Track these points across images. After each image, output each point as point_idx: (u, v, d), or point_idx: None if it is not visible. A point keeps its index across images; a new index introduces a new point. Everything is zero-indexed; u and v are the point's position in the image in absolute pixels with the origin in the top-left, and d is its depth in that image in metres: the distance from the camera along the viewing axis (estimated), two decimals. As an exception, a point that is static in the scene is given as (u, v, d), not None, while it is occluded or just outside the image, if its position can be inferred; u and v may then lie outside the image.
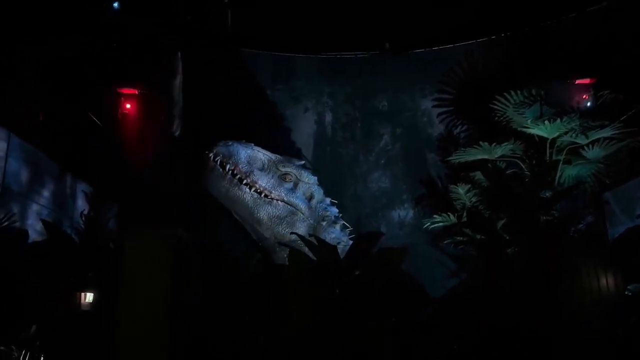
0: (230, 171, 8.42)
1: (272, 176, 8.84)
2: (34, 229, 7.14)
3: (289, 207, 8.80)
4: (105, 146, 10.08)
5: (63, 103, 9.36)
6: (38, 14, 9.06)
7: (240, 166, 8.48)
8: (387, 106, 11.51)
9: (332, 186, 11.17)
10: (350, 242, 9.06)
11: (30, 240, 6.23)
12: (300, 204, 8.98)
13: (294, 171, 9.15)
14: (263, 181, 8.61)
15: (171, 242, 5.02)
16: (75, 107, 9.56)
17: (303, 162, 9.72)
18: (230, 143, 8.72)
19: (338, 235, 9.38)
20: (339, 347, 4.90)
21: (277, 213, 8.68)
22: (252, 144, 9.06)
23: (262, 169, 8.79)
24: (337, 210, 9.79)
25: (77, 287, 5.54)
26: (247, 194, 8.50)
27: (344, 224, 9.73)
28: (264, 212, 8.62)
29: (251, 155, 8.79)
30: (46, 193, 8.28)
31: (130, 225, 8.63)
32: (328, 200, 9.74)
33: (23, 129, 7.93)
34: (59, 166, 8.57)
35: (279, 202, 8.73)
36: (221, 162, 8.47)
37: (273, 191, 8.67)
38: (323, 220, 9.29)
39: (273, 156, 9.13)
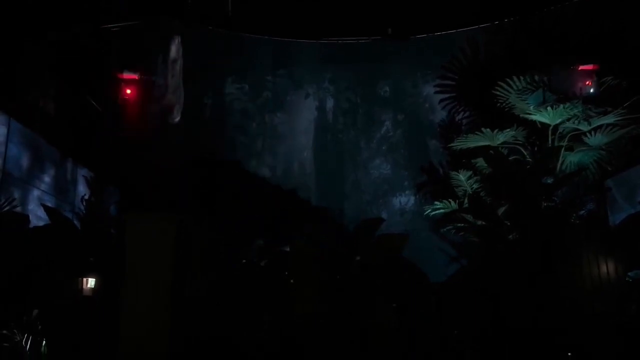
0: None
1: None
2: (35, 214, 7.14)
3: None
4: (107, 131, 10.06)
5: (63, 88, 9.32)
6: (40, 3, 8.99)
7: None
8: (388, 92, 11.46)
9: (333, 172, 11.17)
10: None
11: (31, 226, 6.23)
12: None
13: None
14: None
15: (173, 226, 5.01)
16: (75, 92, 9.52)
17: None
18: None
19: None
20: (343, 329, 4.94)
21: None
22: None
23: None
24: None
25: (79, 272, 5.55)
26: None
27: None
28: None
29: None
30: (47, 178, 8.27)
31: (132, 209, 8.66)
32: None
33: (23, 114, 7.90)
34: (59, 151, 8.55)
35: None
36: None
37: None
38: None
39: None
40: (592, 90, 8.52)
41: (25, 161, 7.77)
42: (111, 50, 10.62)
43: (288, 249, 6.20)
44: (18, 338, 5.08)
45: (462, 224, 8.63)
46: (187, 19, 10.54)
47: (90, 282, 5.87)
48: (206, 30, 11.14)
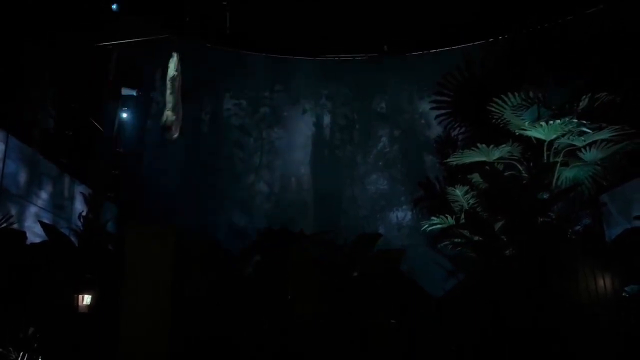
0: None
1: None
2: (32, 231, 7.12)
3: None
4: (105, 147, 10.10)
5: (62, 105, 9.37)
6: (38, 18, 9.08)
7: None
8: (385, 108, 11.56)
9: (330, 187, 11.20)
10: None
11: (28, 242, 6.22)
12: None
13: None
14: None
15: (171, 239, 5.02)
16: (74, 109, 9.57)
17: None
18: None
19: None
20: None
21: None
22: None
23: None
24: None
25: (75, 288, 5.53)
26: None
27: None
28: None
29: None
30: (44, 195, 8.27)
31: (131, 223, 8.65)
32: None
33: (21, 131, 7.92)
34: (57, 168, 8.56)
35: None
36: None
37: None
38: None
39: None
40: (586, 107, 8.59)
41: (22, 177, 7.78)
42: (110, 67, 10.70)
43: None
44: (14, 356, 5.05)
45: (459, 239, 8.65)
46: (186, 36, 10.65)
47: (87, 299, 5.85)
48: (205, 47, 11.26)
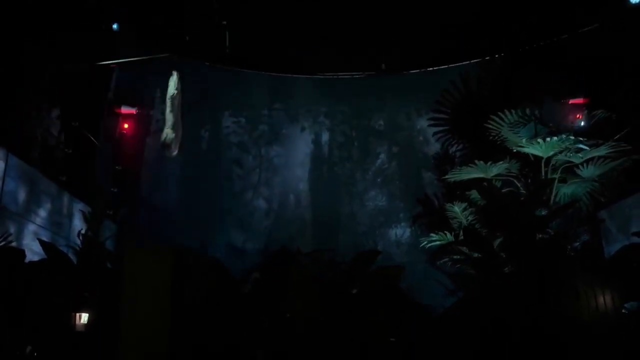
0: None
1: None
2: (31, 249, 7.10)
3: None
4: (104, 165, 10.13)
5: (62, 123, 9.42)
6: (38, 37, 9.19)
7: None
8: (383, 125, 11.64)
9: (328, 204, 11.21)
10: None
11: (27, 260, 6.21)
12: None
13: None
14: None
15: (170, 258, 5.02)
16: (74, 127, 9.62)
17: None
18: None
19: None
20: (341, 356, 4.92)
21: None
22: None
23: None
24: None
25: (73, 307, 5.51)
26: None
27: None
28: None
29: None
30: (43, 213, 8.26)
31: (129, 241, 8.65)
32: None
33: (21, 148, 7.95)
34: (56, 185, 8.58)
35: None
36: None
37: None
38: None
39: None
40: (582, 123, 8.67)
41: (22, 195, 7.78)
42: (110, 85, 10.79)
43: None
44: (10, 375, 5.00)
45: (458, 256, 8.64)
46: (186, 55, 10.77)
47: (84, 318, 5.81)
48: (204, 65, 11.38)
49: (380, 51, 11.49)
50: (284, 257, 7.75)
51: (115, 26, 10.76)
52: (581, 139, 7.91)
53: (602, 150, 7.98)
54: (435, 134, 11.25)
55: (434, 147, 11.23)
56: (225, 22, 10.57)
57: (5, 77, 8.14)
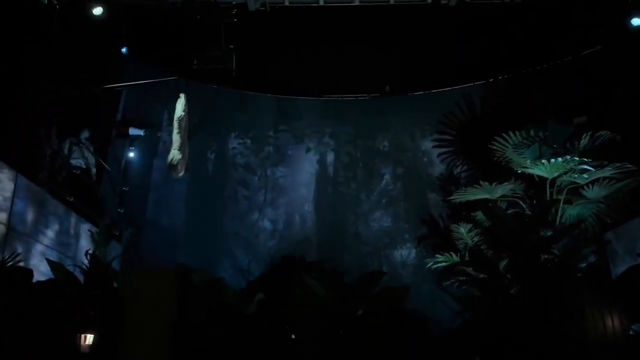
0: None
1: None
2: (38, 269, 7.14)
3: None
4: (111, 186, 10.23)
5: (70, 144, 9.55)
6: (49, 59, 9.38)
7: None
8: (387, 146, 11.71)
9: (333, 225, 11.22)
10: None
11: (34, 280, 6.24)
12: None
13: None
14: None
15: (175, 279, 5.04)
16: (82, 148, 9.73)
17: None
18: None
19: None
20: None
21: None
22: None
23: None
24: None
25: (79, 327, 5.52)
26: None
27: None
28: None
29: None
30: (50, 233, 8.32)
31: (134, 262, 8.69)
32: None
33: (30, 170, 8.06)
34: (64, 206, 8.65)
35: None
36: None
37: None
38: None
39: None
40: (587, 145, 8.69)
41: (30, 216, 7.86)
42: (118, 107, 10.96)
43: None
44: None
45: (464, 278, 8.61)
46: (194, 77, 10.95)
47: (89, 339, 5.81)
48: (211, 88, 11.54)
49: (384, 74, 11.64)
50: (286, 269, 7.75)
51: (124, 50, 10.97)
52: (586, 160, 7.93)
53: (607, 172, 7.99)
54: (439, 155, 11.33)
55: (439, 168, 11.29)
56: (232, 46, 10.76)
57: (15, 100, 8.29)
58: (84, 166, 9.54)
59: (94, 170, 9.77)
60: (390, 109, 11.75)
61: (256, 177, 11.48)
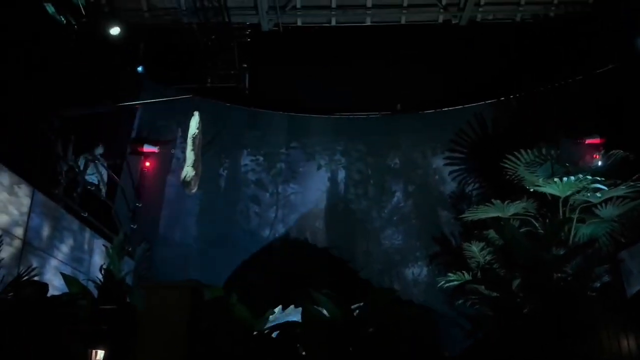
0: None
1: None
2: (52, 284, 7.22)
3: None
4: (125, 202, 10.36)
5: (85, 161, 9.72)
6: (65, 77, 9.60)
7: None
8: (399, 164, 11.73)
9: (344, 242, 11.21)
10: None
11: (48, 295, 6.31)
12: None
13: None
14: None
15: (188, 295, 5.07)
16: (96, 164, 9.89)
17: None
18: None
19: None
20: None
21: None
22: None
23: None
24: None
25: (90, 341, 5.56)
26: None
27: None
28: None
29: None
30: (65, 248, 8.42)
31: (147, 277, 8.74)
32: None
33: (45, 185, 8.19)
34: (78, 222, 8.77)
35: None
36: None
37: None
38: None
39: None
40: (600, 163, 8.66)
41: (45, 231, 7.97)
42: (133, 124, 11.15)
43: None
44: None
45: (476, 297, 8.54)
46: (207, 95, 11.14)
47: (100, 355, 5.84)
48: (224, 106, 11.71)
49: (395, 92, 11.74)
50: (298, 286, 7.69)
51: (140, 69, 11.20)
52: (599, 178, 7.90)
53: (620, 190, 7.95)
54: (451, 172, 11.33)
55: (450, 186, 11.28)
56: (245, 65, 10.95)
57: (33, 117, 8.48)
58: (98, 182, 9.69)
59: (106, 187, 9.91)
60: (402, 126, 11.81)
61: (268, 194, 11.54)
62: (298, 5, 11.40)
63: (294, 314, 7.46)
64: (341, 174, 11.84)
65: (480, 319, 7.86)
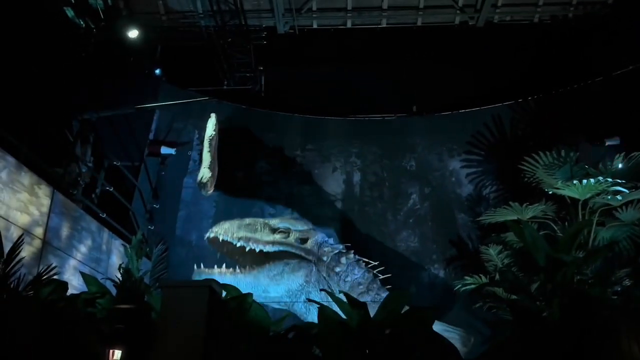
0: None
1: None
2: (71, 284, 7.31)
3: (283, 261, 9.27)
4: (143, 203, 10.47)
5: (103, 163, 9.86)
6: (85, 80, 9.77)
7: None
8: (414, 166, 11.68)
9: (359, 245, 11.17)
10: (377, 280, 9.35)
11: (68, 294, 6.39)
12: (292, 248, 9.38)
13: (285, 224, 9.67)
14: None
15: (205, 293, 5.09)
16: (115, 167, 10.03)
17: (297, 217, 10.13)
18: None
19: (359, 276, 9.50)
20: None
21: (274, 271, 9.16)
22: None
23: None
24: (342, 246, 9.95)
25: (108, 341, 5.61)
26: None
27: (364, 261, 9.82)
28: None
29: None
30: (83, 248, 8.54)
31: (165, 279, 8.82)
32: (330, 239, 9.97)
33: (65, 186, 8.32)
34: (96, 222, 8.88)
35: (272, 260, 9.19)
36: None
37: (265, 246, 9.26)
38: (323, 256, 9.54)
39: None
40: (620, 166, 8.55)
41: (64, 231, 8.08)
42: (151, 126, 11.27)
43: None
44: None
45: (493, 302, 8.45)
46: (224, 98, 11.22)
47: (117, 355, 5.89)
48: (241, 108, 11.78)
49: (411, 93, 11.71)
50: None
51: (157, 71, 11.33)
52: (619, 181, 7.79)
53: (640, 193, 7.82)
54: (468, 175, 11.24)
55: (467, 188, 11.19)
56: (261, 67, 11.02)
57: (53, 119, 8.63)
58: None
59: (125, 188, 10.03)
60: (417, 128, 11.76)
61: (283, 196, 11.56)
62: (314, 8, 11.43)
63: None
64: (356, 176, 11.82)
65: (498, 323, 7.78)
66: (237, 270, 9.23)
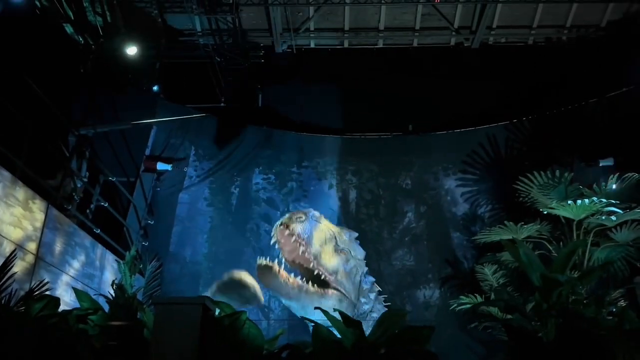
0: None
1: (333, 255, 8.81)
2: (63, 299, 7.23)
3: (339, 296, 8.74)
4: (137, 219, 10.42)
5: (97, 178, 9.85)
6: (80, 95, 9.81)
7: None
8: (410, 184, 11.71)
9: (356, 263, 11.12)
10: (385, 309, 8.99)
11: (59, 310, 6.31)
12: (348, 289, 8.86)
13: (348, 247, 9.18)
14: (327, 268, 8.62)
15: (198, 311, 5.05)
16: (109, 183, 10.02)
17: (357, 234, 9.73)
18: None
19: (374, 305, 9.32)
20: None
21: (328, 304, 8.31)
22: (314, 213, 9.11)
23: (322, 245, 8.75)
24: (373, 279, 9.69)
25: (101, 356, 5.54)
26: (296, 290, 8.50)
27: (379, 290, 9.65)
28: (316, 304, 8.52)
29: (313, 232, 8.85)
30: (76, 264, 8.46)
31: (158, 297, 8.74)
32: (366, 269, 9.64)
33: (59, 201, 8.29)
34: (90, 238, 8.82)
35: (333, 293, 8.66)
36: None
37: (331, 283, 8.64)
38: (363, 297, 9.18)
39: (334, 228, 9.25)
40: (614, 186, 8.60)
41: (58, 247, 8.02)
42: (147, 142, 11.29)
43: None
44: None
45: (489, 322, 8.41)
46: (221, 115, 11.27)
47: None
48: (237, 124, 11.83)
49: (407, 113, 11.80)
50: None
51: (155, 88, 11.40)
52: (613, 201, 7.83)
53: (635, 214, 7.87)
54: (463, 194, 11.28)
55: (463, 207, 11.21)
56: (259, 85, 11.10)
57: (49, 135, 8.63)
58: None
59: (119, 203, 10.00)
60: (413, 147, 11.82)
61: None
62: (311, 28, 11.57)
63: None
64: (352, 194, 11.83)
65: (493, 343, 7.74)
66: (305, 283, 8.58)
